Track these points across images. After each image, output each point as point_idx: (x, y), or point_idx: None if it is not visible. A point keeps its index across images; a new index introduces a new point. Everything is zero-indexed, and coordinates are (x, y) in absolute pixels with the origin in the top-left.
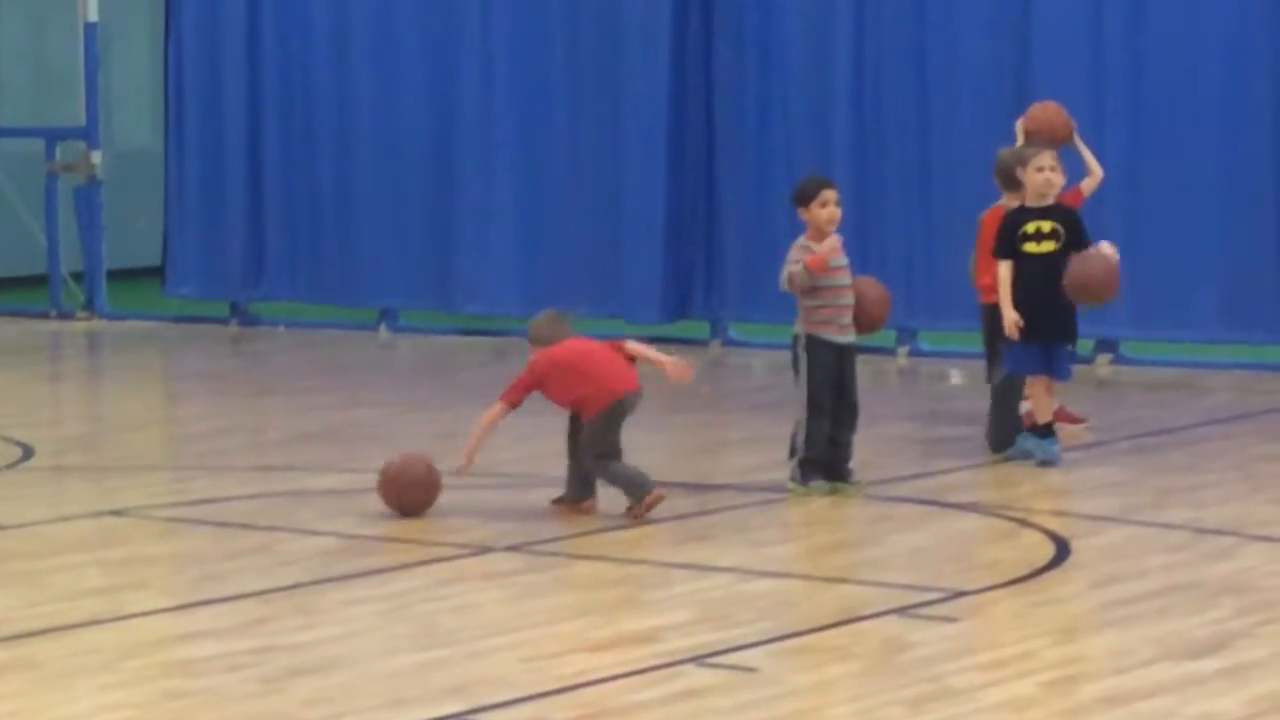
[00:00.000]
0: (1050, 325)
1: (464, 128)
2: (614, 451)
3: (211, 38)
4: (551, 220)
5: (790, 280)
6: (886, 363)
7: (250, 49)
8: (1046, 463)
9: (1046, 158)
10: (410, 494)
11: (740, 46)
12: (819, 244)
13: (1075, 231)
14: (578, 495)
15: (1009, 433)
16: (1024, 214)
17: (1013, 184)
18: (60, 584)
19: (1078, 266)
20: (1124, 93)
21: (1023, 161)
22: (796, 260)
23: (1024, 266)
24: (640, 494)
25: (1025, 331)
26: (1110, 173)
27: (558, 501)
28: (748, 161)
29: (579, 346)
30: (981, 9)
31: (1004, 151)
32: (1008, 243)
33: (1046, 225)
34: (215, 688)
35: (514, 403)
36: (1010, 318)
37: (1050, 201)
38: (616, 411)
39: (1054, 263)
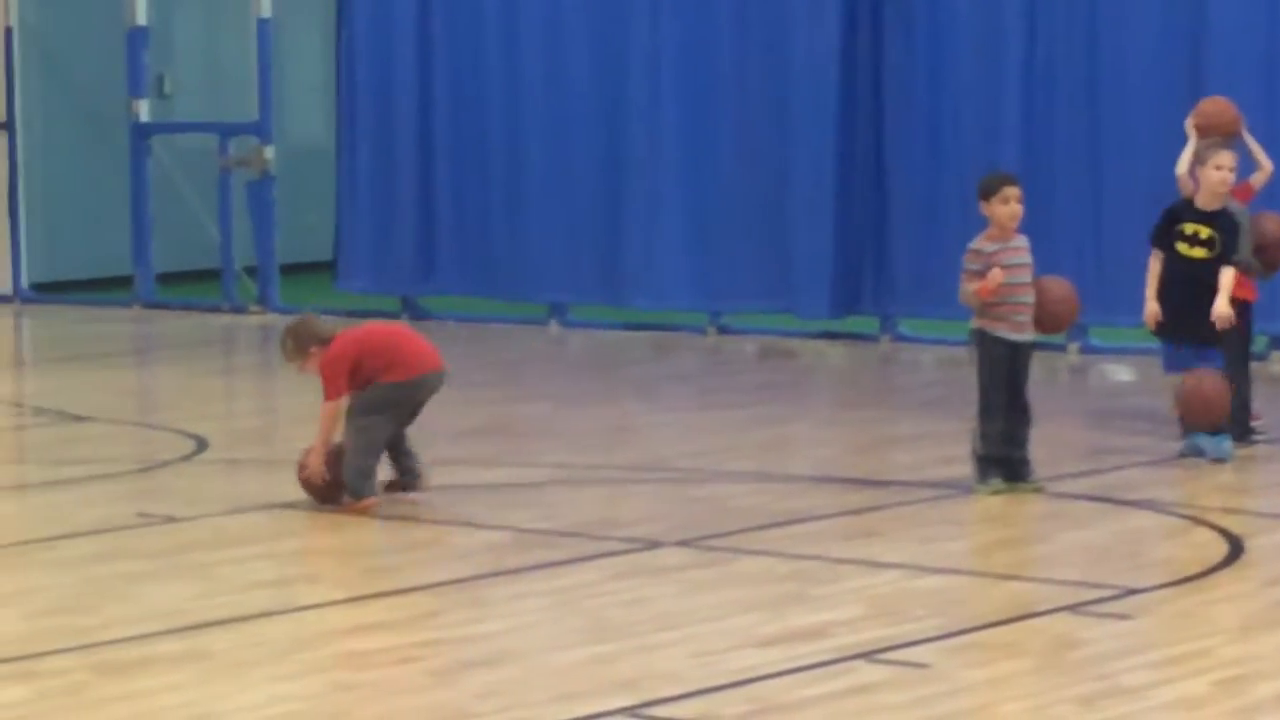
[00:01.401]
0: (1189, 329)
1: (633, 122)
2: (384, 433)
3: (383, 33)
4: (720, 214)
5: (964, 299)
6: (1057, 359)
7: (421, 44)
8: (1219, 460)
9: (1226, 157)
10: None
11: (910, 40)
12: (995, 243)
13: (1229, 243)
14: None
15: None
16: (1187, 211)
17: None
18: (232, 576)
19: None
20: None
21: (1201, 159)
22: (971, 270)
23: (1171, 264)
24: (355, 495)
25: (1167, 332)
26: None
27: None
28: (917, 155)
29: (378, 326)
30: (1154, 2)
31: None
32: (1163, 234)
33: (1204, 231)
34: (385, 680)
35: (340, 394)
36: (1150, 309)
37: (1221, 204)
38: (422, 385)
39: (1201, 270)
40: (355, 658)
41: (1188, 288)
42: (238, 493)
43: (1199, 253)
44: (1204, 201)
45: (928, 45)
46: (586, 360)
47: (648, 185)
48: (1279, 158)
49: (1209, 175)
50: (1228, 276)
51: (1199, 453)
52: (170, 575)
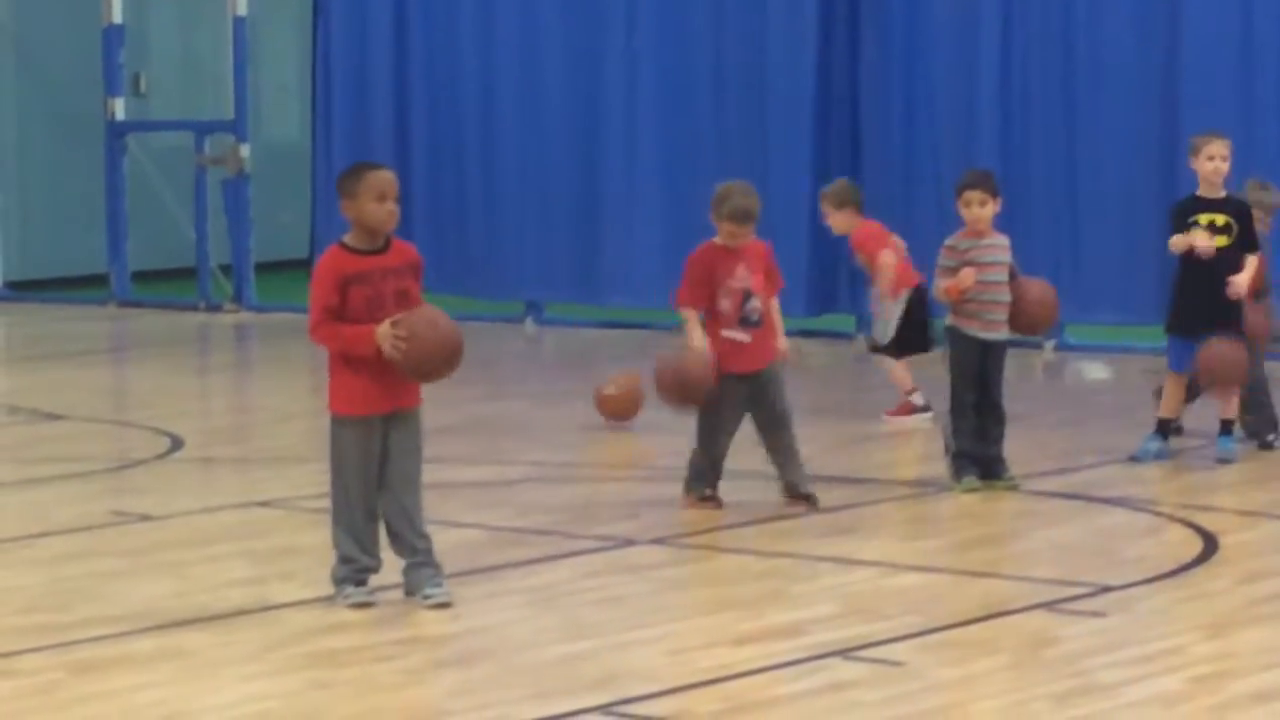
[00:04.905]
0: (1214, 321)
1: (609, 121)
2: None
3: (359, 32)
4: (696, 212)
5: (937, 295)
6: (1033, 356)
7: (397, 43)
8: (1225, 460)
9: (1219, 146)
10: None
11: (886, 44)
12: (970, 240)
13: (1246, 225)
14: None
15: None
16: (1197, 204)
17: None
18: (207, 574)
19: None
20: (1273, 88)
21: (1194, 150)
22: (945, 267)
23: (1189, 261)
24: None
25: (1188, 327)
26: (1262, 166)
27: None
28: (893, 156)
29: None
30: (1129, 5)
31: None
32: (1179, 230)
33: (1220, 218)
34: (360, 678)
35: None
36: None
37: (1222, 193)
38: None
39: (1224, 257)
40: (330, 656)
41: (1213, 280)
42: (213, 491)
43: (1220, 240)
44: (1207, 191)
45: (904, 46)
46: (563, 358)
47: (624, 182)
48: (1254, 157)
49: (1204, 166)
50: (1254, 261)
51: (1152, 456)
52: (145, 574)
